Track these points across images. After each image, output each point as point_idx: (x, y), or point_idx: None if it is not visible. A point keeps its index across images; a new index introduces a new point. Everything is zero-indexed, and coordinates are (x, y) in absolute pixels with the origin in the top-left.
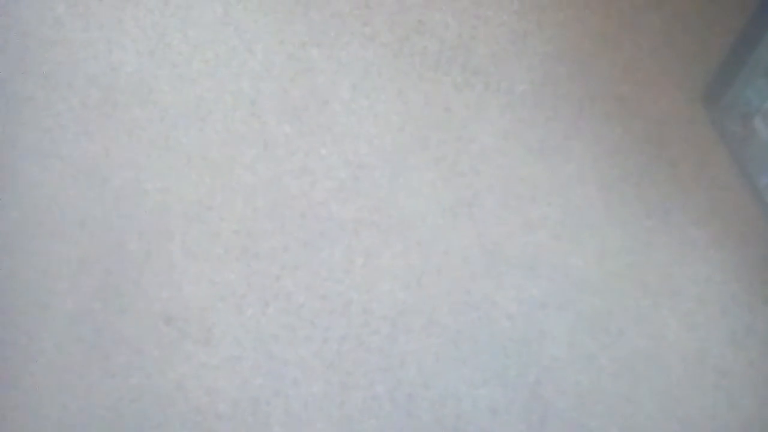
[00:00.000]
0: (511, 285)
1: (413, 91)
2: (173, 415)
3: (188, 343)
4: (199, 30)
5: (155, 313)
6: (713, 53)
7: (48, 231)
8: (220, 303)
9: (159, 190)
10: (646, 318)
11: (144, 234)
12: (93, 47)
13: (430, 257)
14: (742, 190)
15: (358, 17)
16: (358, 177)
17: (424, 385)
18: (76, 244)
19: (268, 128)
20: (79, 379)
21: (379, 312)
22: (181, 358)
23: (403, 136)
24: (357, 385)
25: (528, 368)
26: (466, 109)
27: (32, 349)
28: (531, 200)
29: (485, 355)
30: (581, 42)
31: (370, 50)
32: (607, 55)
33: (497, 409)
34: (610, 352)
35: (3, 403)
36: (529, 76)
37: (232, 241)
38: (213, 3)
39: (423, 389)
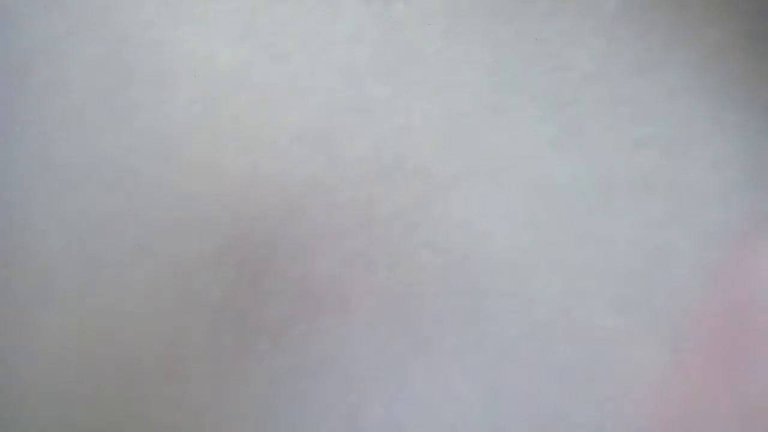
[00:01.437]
0: (630, 209)
1: (503, 28)
2: (321, 390)
3: (326, 317)
4: (284, 5)
5: (291, 293)
6: None
7: (178, 231)
8: (351, 270)
9: (274, 171)
10: None
11: (269, 216)
12: (188, 42)
13: (544, 195)
14: None
15: None
16: (460, 127)
17: (555, 321)
18: (208, 239)
19: (365, 93)
20: (229, 367)
21: (500, 258)
22: (320, 333)
23: (499, 76)
24: (490, 333)
25: (654, 293)
26: (558, 38)
27: (184, 338)
28: (637, 120)
29: (611, 284)
30: None
31: None
32: None
33: (631, 335)
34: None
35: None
36: None
37: (350, 211)
38: None
39: (555, 327)
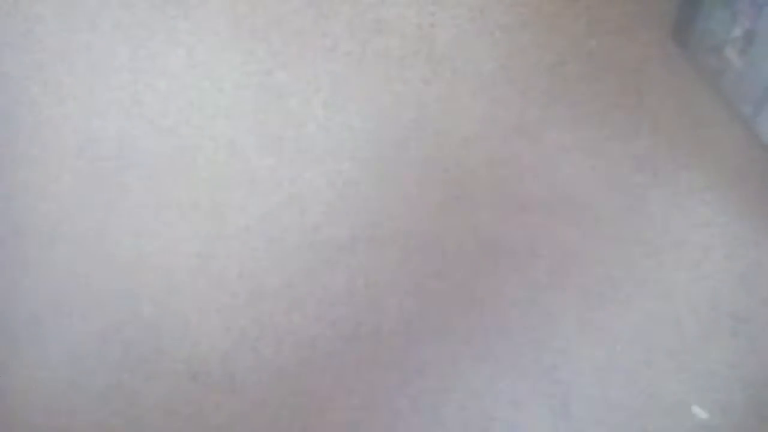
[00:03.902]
0: (513, 271)
1: (384, 95)
2: None
3: (215, 395)
4: (167, 80)
5: (180, 372)
6: None
7: (65, 311)
8: (237, 349)
9: (160, 249)
10: (652, 277)
11: (154, 296)
12: (72, 121)
13: (430, 260)
14: (728, 124)
15: (317, 30)
16: (345, 195)
17: (444, 390)
18: (94, 319)
19: (251, 164)
20: None
21: (388, 327)
22: (211, 411)
23: (381, 142)
24: (379, 404)
25: (542, 354)
26: (438, 102)
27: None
28: (519, 180)
29: (498, 348)
30: (540, 5)
31: (334, 62)
32: (569, 13)
33: (518, 401)
34: (621, 321)
35: None
36: (494, 53)
37: (237, 286)
38: (176, 49)
39: (444, 394)
